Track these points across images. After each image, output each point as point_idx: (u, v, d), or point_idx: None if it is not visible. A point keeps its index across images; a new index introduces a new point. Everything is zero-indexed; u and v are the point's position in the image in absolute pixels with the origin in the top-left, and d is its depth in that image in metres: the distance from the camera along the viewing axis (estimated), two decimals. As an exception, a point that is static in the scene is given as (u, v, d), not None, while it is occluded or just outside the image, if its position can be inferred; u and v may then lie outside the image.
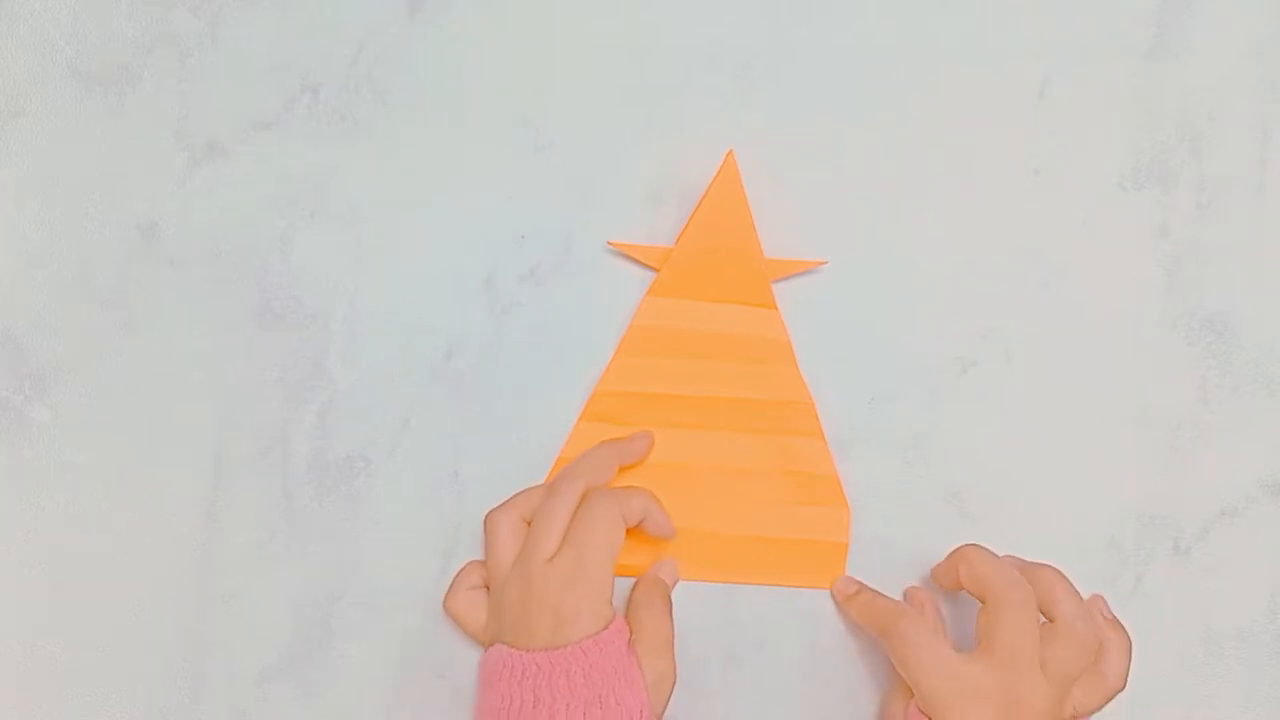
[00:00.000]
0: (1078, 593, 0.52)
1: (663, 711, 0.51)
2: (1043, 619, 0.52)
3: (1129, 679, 0.53)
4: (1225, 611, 0.59)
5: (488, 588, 0.55)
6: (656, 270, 0.59)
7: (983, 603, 0.52)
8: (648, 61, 0.60)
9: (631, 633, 0.52)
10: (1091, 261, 0.60)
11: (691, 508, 0.58)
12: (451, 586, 0.56)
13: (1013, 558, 0.54)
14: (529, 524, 0.54)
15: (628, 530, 0.53)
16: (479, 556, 0.57)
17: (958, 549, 0.54)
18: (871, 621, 0.55)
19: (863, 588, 0.57)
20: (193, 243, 0.59)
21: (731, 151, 0.58)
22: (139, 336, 0.59)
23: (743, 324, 0.59)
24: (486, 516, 0.55)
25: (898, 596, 0.58)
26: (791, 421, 0.59)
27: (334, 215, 0.60)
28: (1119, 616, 0.56)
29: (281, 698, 0.58)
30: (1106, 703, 0.52)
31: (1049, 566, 0.53)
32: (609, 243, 0.59)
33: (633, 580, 0.57)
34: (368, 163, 0.60)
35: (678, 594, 0.58)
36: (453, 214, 0.60)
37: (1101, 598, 0.56)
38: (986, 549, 0.53)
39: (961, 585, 0.53)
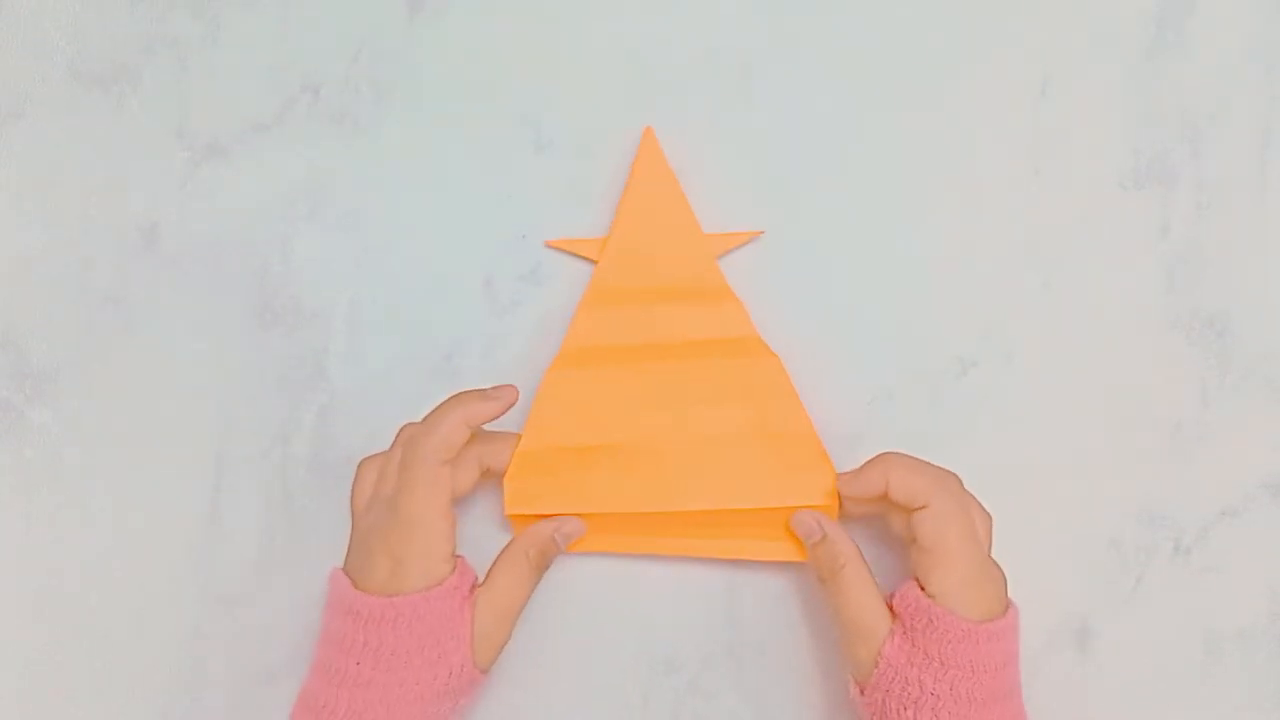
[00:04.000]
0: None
1: (490, 662, 0.53)
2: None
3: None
4: (1225, 611, 0.59)
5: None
6: (596, 261, 0.58)
7: (917, 509, 0.52)
8: (648, 61, 0.60)
9: (484, 582, 0.53)
10: (1091, 261, 0.60)
11: (667, 487, 0.56)
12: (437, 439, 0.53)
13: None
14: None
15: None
16: (478, 556, 0.56)
17: (877, 460, 0.54)
18: (916, 476, 0.53)
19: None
20: (193, 243, 0.60)
21: (649, 128, 0.58)
22: (139, 336, 0.59)
23: (692, 296, 0.58)
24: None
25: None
26: (760, 383, 0.57)
27: (334, 215, 0.60)
28: (1120, 617, 0.57)
29: (283, 697, 0.58)
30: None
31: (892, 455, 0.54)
32: (546, 242, 0.59)
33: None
34: (368, 163, 0.60)
35: (678, 590, 0.59)
36: (453, 214, 0.60)
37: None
38: (904, 456, 0.54)
39: (886, 495, 0.53)
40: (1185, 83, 0.60)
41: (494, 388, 0.54)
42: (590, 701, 0.59)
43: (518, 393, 0.54)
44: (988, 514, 0.54)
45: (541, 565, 0.55)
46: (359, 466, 0.55)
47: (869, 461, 0.54)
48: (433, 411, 0.53)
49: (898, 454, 0.54)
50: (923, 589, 0.51)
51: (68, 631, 0.58)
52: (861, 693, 0.52)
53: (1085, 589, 0.59)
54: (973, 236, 0.60)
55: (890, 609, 0.52)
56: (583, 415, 0.57)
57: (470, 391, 0.54)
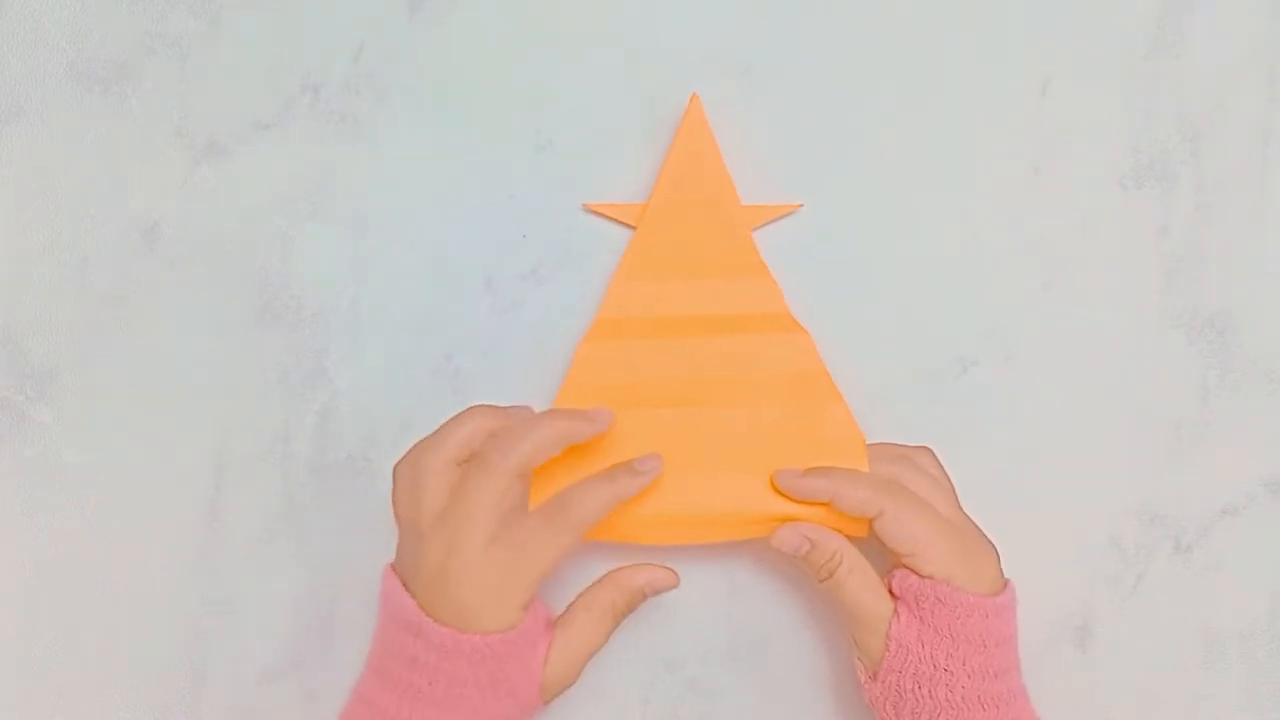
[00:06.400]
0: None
1: (554, 697, 0.52)
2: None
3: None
4: (1225, 611, 0.59)
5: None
6: (634, 228, 0.59)
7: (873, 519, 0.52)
8: (649, 61, 0.60)
9: (560, 621, 0.52)
10: (1092, 261, 0.60)
11: (699, 455, 0.55)
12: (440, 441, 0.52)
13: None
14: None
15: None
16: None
17: (825, 474, 0.53)
18: (852, 492, 0.52)
19: (812, 469, 0.54)
20: (193, 243, 0.59)
21: (695, 95, 0.58)
22: (140, 336, 0.59)
23: (726, 271, 0.58)
24: (418, 457, 0.52)
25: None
26: (790, 356, 0.57)
27: (335, 215, 0.60)
28: (1120, 616, 0.58)
29: (282, 697, 0.59)
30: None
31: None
32: (585, 205, 0.59)
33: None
34: (368, 162, 0.60)
35: (677, 591, 0.58)
36: (454, 214, 0.60)
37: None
38: (848, 472, 0.54)
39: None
40: (1185, 83, 0.61)
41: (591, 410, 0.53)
42: (590, 699, 0.59)
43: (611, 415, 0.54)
44: (948, 483, 0.55)
45: (625, 615, 0.53)
46: (425, 467, 0.51)
47: (815, 470, 0.54)
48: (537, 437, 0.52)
49: (841, 470, 0.54)
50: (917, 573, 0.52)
51: (68, 631, 0.58)
52: (874, 678, 0.53)
53: (1085, 588, 0.59)
54: (973, 236, 0.60)
55: (890, 591, 0.53)
56: (615, 387, 0.56)
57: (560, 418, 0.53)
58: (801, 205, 0.60)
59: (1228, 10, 0.61)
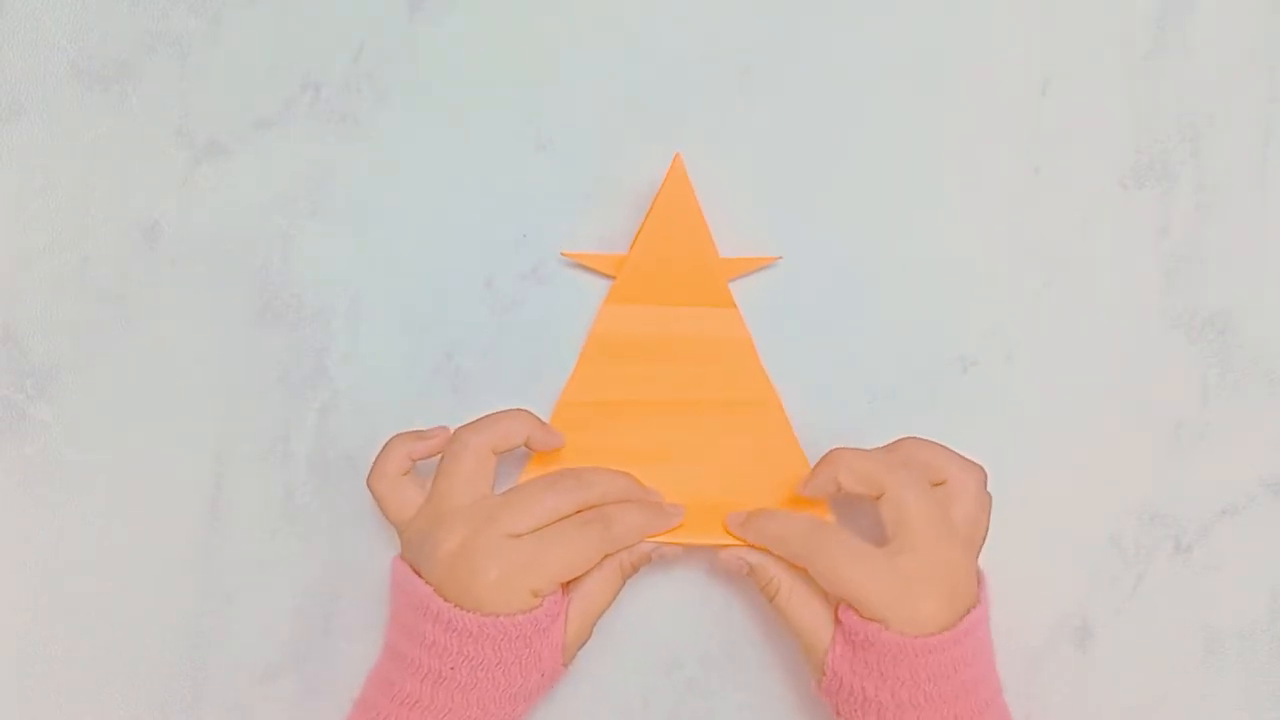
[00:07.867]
0: (949, 450, 0.54)
1: (573, 657, 0.54)
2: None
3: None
4: (1225, 611, 0.59)
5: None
6: (613, 278, 0.59)
7: (876, 498, 0.52)
8: (649, 61, 0.60)
9: (577, 589, 0.53)
10: (1092, 261, 0.60)
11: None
12: (377, 466, 0.54)
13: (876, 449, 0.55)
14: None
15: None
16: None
17: (827, 457, 0.53)
18: (783, 542, 0.53)
19: (754, 512, 0.55)
20: (193, 242, 0.60)
21: (679, 155, 0.58)
22: (140, 335, 0.59)
23: (703, 325, 0.58)
24: (457, 433, 0.54)
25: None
26: (759, 420, 0.58)
27: (335, 214, 0.60)
28: (1120, 616, 0.58)
29: (282, 695, 0.59)
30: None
31: (908, 439, 0.55)
32: (562, 253, 0.59)
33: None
34: (369, 162, 0.60)
35: (677, 589, 0.59)
36: (454, 213, 0.60)
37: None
38: (854, 448, 0.54)
39: (841, 490, 0.53)
40: (1185, 83, 0.61)
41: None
42: (590, 700, 0.59)
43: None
44: (976, 471, 0.53)
45: (631, 574, 0.55)
46: (461, 445, 0.53)
47: (819, 461, 0.54)
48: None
49: (844, 448, 0.54)
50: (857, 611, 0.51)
51: (67, 630, 0.58)
52: (819, 690, 0.53)
53: (1085, 588, 0.59)
54: (973, 236, 0.60)
55: (836, 615, 0.52)
56: (592, 437, 0.57)
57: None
58: (780, 258, 0.59)
59: (1228, 10, 0.61)
